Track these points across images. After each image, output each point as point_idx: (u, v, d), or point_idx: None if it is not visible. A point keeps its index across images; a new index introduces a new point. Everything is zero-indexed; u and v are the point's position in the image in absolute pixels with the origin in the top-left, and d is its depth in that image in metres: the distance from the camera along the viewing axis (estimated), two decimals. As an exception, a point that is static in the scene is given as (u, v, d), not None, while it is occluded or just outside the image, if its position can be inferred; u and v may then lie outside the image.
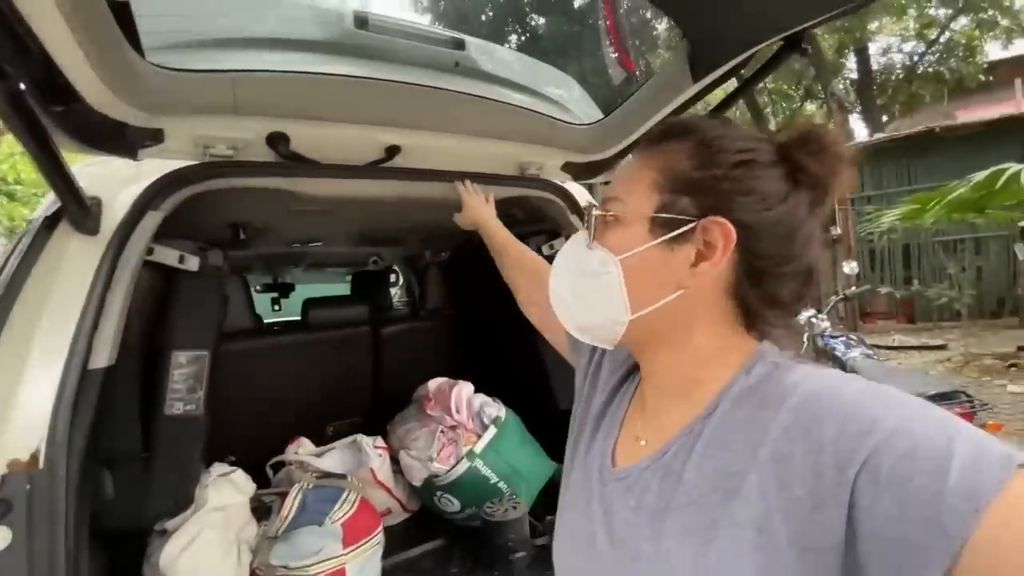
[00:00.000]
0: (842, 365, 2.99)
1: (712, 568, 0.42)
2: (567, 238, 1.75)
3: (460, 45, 1.18)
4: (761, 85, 13.18)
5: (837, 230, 7.96)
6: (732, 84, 1.13)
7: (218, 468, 1.34)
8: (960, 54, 10.72)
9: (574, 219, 1.50)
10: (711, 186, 0.48)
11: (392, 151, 1.20)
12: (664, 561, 0.45)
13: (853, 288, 4.54)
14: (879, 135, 8.70)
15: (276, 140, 1.06)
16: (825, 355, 3.23)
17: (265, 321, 2.49)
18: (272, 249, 2.43)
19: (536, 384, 1.73)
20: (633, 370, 0.63)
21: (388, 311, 2.44)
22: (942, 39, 10.87)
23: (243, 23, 0.99)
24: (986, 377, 4.75)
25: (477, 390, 1.75)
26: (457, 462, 1.47)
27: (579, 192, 1.53)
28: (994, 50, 11.70)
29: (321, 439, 1.76)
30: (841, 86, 11.70)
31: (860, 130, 11.07)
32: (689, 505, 0.45)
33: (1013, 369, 4.79)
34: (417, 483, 1.56)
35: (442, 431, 1.51)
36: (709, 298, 0.50)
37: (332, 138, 1.13)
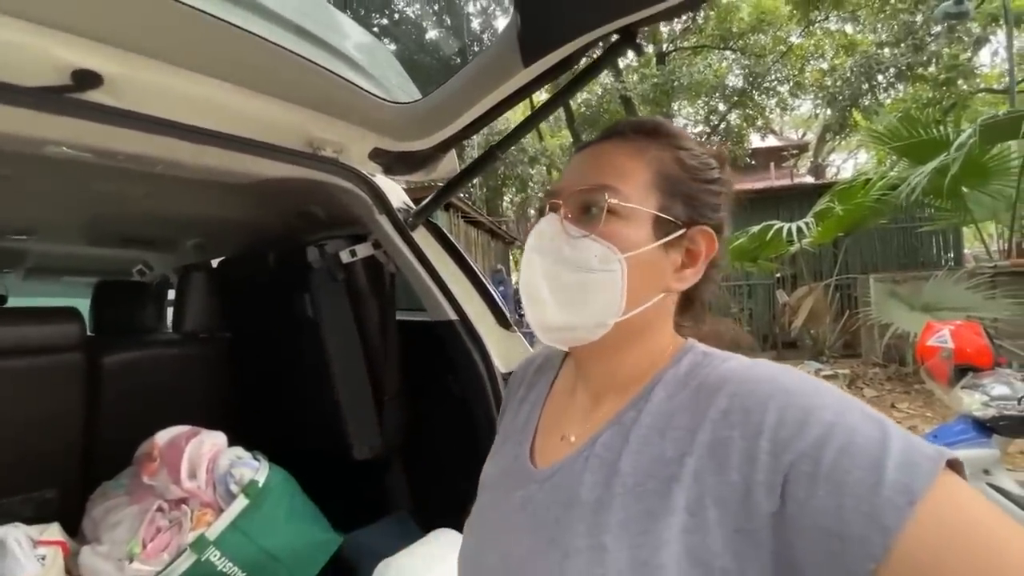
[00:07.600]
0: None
1: (646, 557, 0.40)
2: (375, 244, 1.45)
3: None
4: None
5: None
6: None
7: None
8: (734, 139, 13.36)
9: (383, 219, 1.20)
10: (696, 196, 0.51)
11: (83, 79, 0.78)
12: (599, 554, 0.42)
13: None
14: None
15: None
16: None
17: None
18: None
19: (329, 430, 1.33)
20: (539, 375, 0.62)
21: (133, 334, 1.78)
22: (722, 126, 13.45)
23: None
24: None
25: (251, 440, 1.29)
26: (176, 557, 0.96)
27: (390, 188, 1.23)
28: (756, 140, 15.30)
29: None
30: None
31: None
32: (626, 495, 0.44)
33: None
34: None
35: (159, 509, 1.01)
36: (673, 299, 0.52)
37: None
